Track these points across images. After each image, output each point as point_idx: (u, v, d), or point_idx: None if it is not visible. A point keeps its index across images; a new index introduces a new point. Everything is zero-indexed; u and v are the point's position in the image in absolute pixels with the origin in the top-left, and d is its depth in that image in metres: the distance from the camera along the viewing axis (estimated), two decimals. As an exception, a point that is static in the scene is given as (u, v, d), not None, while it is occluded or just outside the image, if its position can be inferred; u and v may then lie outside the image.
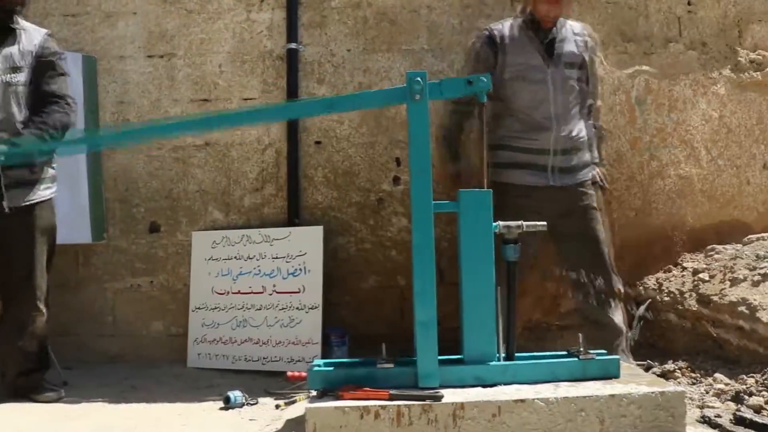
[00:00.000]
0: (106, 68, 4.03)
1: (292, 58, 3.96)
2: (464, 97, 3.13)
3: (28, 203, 3.18)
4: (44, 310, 3.28)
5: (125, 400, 3.23)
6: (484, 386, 2.61)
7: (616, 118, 3.92)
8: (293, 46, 3.95)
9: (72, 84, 3.46)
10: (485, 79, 2.76)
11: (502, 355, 2.74)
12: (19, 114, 3.16)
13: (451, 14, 3.95)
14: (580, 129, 3.37)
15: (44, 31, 3.33)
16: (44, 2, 3.97)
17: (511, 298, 2.81)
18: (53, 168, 3.32)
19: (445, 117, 3.41)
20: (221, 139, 4.01)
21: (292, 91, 3.94)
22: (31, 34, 3.24)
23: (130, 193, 4.05)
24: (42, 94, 3.21)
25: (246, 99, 4.01)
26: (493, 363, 2.68)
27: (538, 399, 2.45)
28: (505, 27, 3.39)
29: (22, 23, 3.24)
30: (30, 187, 3.20)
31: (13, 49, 3.17)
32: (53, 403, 3.20)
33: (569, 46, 3.37)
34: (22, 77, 3.17)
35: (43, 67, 3.23)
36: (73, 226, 3.64)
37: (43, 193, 3.25)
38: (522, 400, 2.45)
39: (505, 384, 2.62)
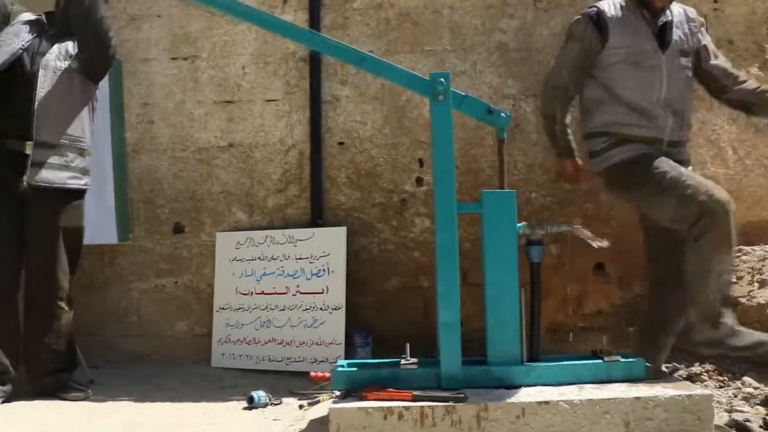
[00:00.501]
0: (131, 70, 4.07)
1: (314, 60, 3.97)
2: (559, 79, 3.09)
3: (47, 185, 3.19)
4: (67, 308, 3.32)
5: (151, 399, 3.26)
6: (507, 388, 2.60)
7: (641, 118, 3.88)
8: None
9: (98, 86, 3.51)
10: (504, 116, 2.76)
11: (526, 356, 2.73)
12: (59, 99, 3.25)
13: (474, 14, 3.94)
14: (689, 121, 3.14)
15: None
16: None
17: (535, 299, 2.79)
18: (85, 159, 3.36)
19: (542, 104, 3.25)
20: (245, 141, 4.03)
21: (315, 92, 3.95)
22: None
23: (155, 194, 4.09)
24: None
25: (269, 100, 4.03)
26: (517, 364, 2.67)
27: (562, 401, 2.44)
28: (608, 5, 3.05)
29: None
30: (55, 171, 3.22)
31: (70, 43, 3.29)
32: (81, 402, 3.24)
33: (682, 32, 3.07)
34: (76, 63, 3.28)
35: None
36: (98, 227, 3.68)
37: (69, 181, 3.27)
38: (546, 402, 2.43)
39: (528, 386, 2.61)
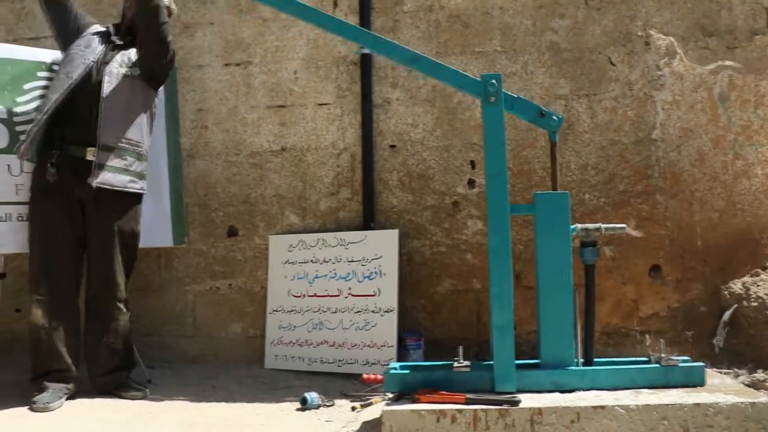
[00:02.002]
0: (185, 77, 4.15)
1: (365, 63, 3.99)
2: None
3: (109, 187, 3.28)
4: (125, 309, 3.42)
5: (206, 399, 3.31)
6: (562, 392, 2.58)
7: (697, 116, 3.79)
8: (366, 50, 3.97)
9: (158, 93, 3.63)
10: (556, 119, 2.73)
11: (581, 360, 2.70)
12: (121, 104, 3.36)
13: (524, 15, 3.91)
14: None
15: None
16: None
17: (589, 302, 2.76)
18: (142, 163, 3.44)
19: None
20: (297, 144, 4.07)
21: (366, 96, 3.97)
22: None
23: (209, 197, 4.16)
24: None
25: (321, 104, 4.06)
26: (572, 368, 2.64)
27: (618, 406, 2.40)
28: None
29: None
30: (117, 174, 3.31)
31: (132, 50, 3.42)
32: (139, 401, 3.32)
33: None
34: (138, 71, 3.40)
35: None
36: (155, 230, 3.75)
37: (129, 184, 3.36)
38: (602, 407, 2.40)
39: (583, 390, 2.58)
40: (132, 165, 3.36)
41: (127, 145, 3.34)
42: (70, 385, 3.27)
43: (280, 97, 4.11)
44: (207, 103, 4.18)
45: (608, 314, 3.75)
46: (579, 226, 2.78)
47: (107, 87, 3.28)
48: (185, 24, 4.17)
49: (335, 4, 4.06)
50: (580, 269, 2.80)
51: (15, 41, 3.99)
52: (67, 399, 3.23)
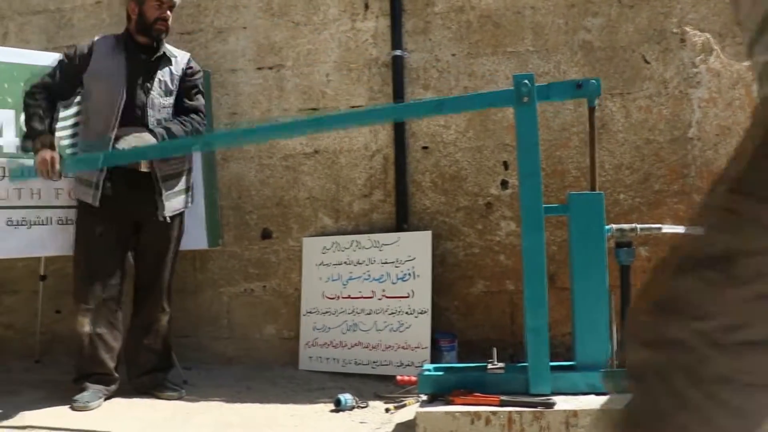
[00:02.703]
0: (219, 81, 4.19)
1: (397, 65, 4.00)
2: None
3: (174, 213, 3.44)
4: (168, 310, 3.52)
5: (241, 400, 3.34)
6: (597, 394, 2.55)
7: (735, 114, 3.73)
8: (398, 52, 3.98)
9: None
10: (595, 83, 2.71)
11: (617, 362, 2.67)
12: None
13: (556, 14, 3.88)
14: None
15: (187, 54, 3.60)
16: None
17: (625, 304, 2.73)
18: (190, 176, 3.58)
19: None
20: (330, 147, 4.09)
21: (399, 98, 3.96)
22: (178, 59, 3.50)
23: (243, 200, 4.20)
24: (183, 108, 3.47)
25: (353, 106, 4.07)
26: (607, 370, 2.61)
27: (655, 408, 2.36)
28: None
29: (170, 48, 3.51)
30: (180, 196, 3.46)
31: (166, 74, 3.43)
32: (175, 401, 3.37)
33: None
34: (172, 99, 3.44)
35: (189, 87, 3.51)
36: (190, 233, 3.79)
37: (186, 203, 3.53)
38: (639, 409, 2.37)
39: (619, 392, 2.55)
40: (185, 182, 3.49)
41: (181, 167, 3.46)
42: (111, 387, 3.34)
43: (312, 99, 4.13)
44: (240, 106, 4.22)
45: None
46: (614, 226, 2.75)
47: (151, 119, 3.34)
48: (218, 29, 4.22)
49: (366, 7, 4.08)
50: (616, 270, 2.78)
51: (55, 49, 4.08)
52: (105, 399, 3.30)
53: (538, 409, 2.42)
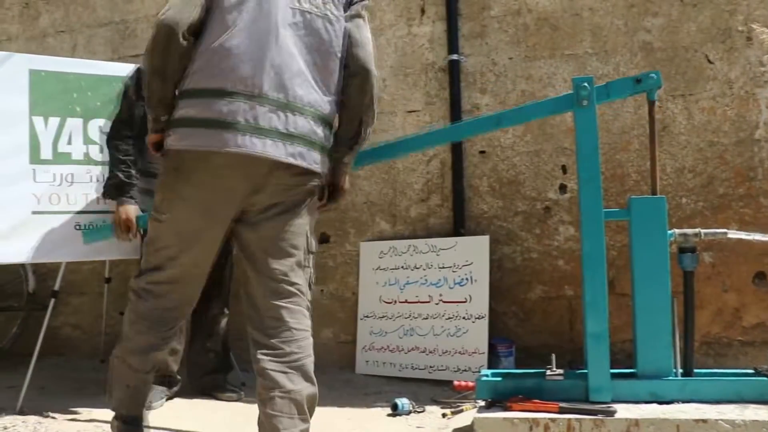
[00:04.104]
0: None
1: (454, 69, 3.99)
2: None
3: None
4: (227, 313, 3.60)
5: (299, 404, 3.37)
6: (659, 403, 2.50)
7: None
8: (455, 57, 3.97)
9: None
10: (654, 76, 2.66)
11: (680, 370, 2.61)
12: None
13: (615, 15, 3.81)
14: None
15: None
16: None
17: (688, 310, 2.67)
18: None
19: None
20: (386, 152, 4.10)
21: (455, 102, 3.96)
22: None
23: (301, 205, 4.24)
24: None
25: (410, 111, 4.08)
26: (670, 378, 2.56)
27: (722, 420, 2.30)
28: None
29: None
30: None
31: None
32: (234, 402, 3.43)
33: None
34: None
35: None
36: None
37: None
38: (704, 420, 2.31)
39: (682, 402, 2.50)
40: None
41: None
42: (173, 388, 3.43)
43: (369, 105, 4.15)
44: (298, 112, 4.26)
45: (708, 323, 3.60)
46: (677, 231, 2.70)
47: None
48: (277, 36, 4.27)
49: (422, 12, 4.08)
50: (678, 276, 2.71)
51: (120, 59, 4.21)
52: (167, 400, 3.38)
53: (599, 417, 2.38)
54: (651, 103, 2.74)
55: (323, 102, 2.32)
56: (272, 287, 2.28)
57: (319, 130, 2.30)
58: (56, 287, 3.54)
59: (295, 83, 2.26)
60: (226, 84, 2.18)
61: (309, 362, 2.24)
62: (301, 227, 2.31)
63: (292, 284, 2.29)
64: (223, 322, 3.58)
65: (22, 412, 3.18)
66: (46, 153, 3.34)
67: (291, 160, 2.21)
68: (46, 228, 3.28)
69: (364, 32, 2.40)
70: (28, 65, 3.34)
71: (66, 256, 3.38)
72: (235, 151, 2.16)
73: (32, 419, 3.11)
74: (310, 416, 2.22)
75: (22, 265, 4.27)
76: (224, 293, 3.57)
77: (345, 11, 2.38)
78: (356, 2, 2.41)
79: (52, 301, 3.51)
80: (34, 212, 3.26)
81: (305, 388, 2.20)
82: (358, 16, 2.40)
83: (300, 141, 2.24)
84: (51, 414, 3.16)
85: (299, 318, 2.28)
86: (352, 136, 2.40)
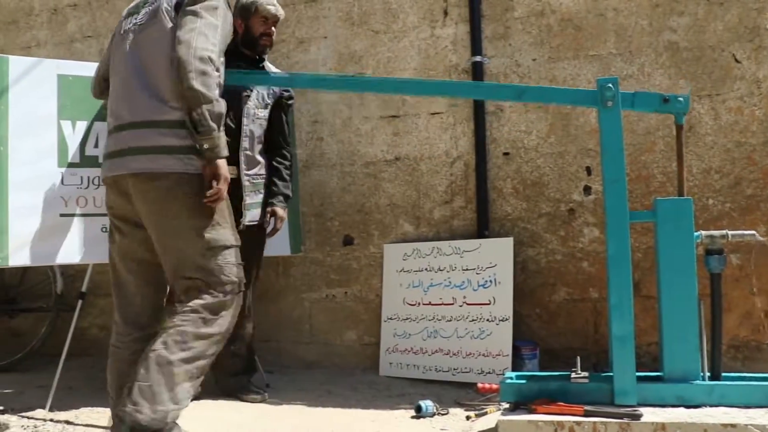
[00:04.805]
0: (301, 91, 4.26)
1: (477, 71, 3.98)
2: None
3: (253, 222, 3.48)
4: (252, 316, 3.61)
5: (322, 404, 3.39)
6: (686, 407, 2.48)
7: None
8: (478, 58, 3.97)
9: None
10: (683, 100, 2.65)
11: (707, 374, 2.58)
12: (255, 143, 3.49)
13: (640, 15, 3.79)
14: None
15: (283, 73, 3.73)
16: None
17: (716, 313, 2.64)
18: (263, 192, 3.61)
19: None
20: (410, 154, 4.11)
21: (479, 104, 3.95)
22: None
23: (325, 207, 4.26)
24: (275, 135, 3.59)
25: (433, 113, 4.08)
26: (697, 382, 2.53)
27: (752, 425, 2.27)
28: None
29: (269, 65, 3.62)
30: (257, 209, 3.50)
31: (263, 87, 3.52)
32: (258, 404, 3.45)
33: None
34: (267, 113, 3.53)
35: (281, 108, 3.62)
36: (273, 240, 3.86)
37: (264, 217, 3.56)
38: (732, 425, 2.29)
39: (710, 406, 2.47)
40: (261, 196, 3.53)
41: (260, 181, 3.52)
42: (198, 389, 3.44)
43: (392, 107, 4.16)
44: (322, 114, 4.29)
45: (736, 326, 3.56)
46: (703, 233, 2.67)
47: (246, 128, 3.43)
48: (300, 39, 4.30)
49: (445, 14, 4.08)
50: (705, 278, 2.69)
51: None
52: (192, 400, 3.39)
53: (624, 420, 2.36)
54: (679, 128, 2.73)
55: (149, 109, 2.55)
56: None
57: (152, 134, 2.54)
58: (84, 289, 3.59)
59: (120, 106, 2.63)
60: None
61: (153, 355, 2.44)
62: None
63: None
64: (249, 326, 3.60)
65: (51, 412, 3.23)
66: (73, 156, 3.39)
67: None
68: (74, 230, 3.32)
69: (187, 26, 2.51)
70: (56, 70, 3.39)
71: (93, 257, 3.42)
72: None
73: (62, 418, 3.16)
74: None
75: (51, 267, 4.33)
76: (249, 299, 3.59)
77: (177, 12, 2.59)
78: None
79: (80, 302, 3.56)
80: (62, 215, 3.31)
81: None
82: (184, 14, 2.54)
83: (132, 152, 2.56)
84: (80, 413, 3.20)
85: None
86: (190, 124, 2.48)
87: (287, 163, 3.61)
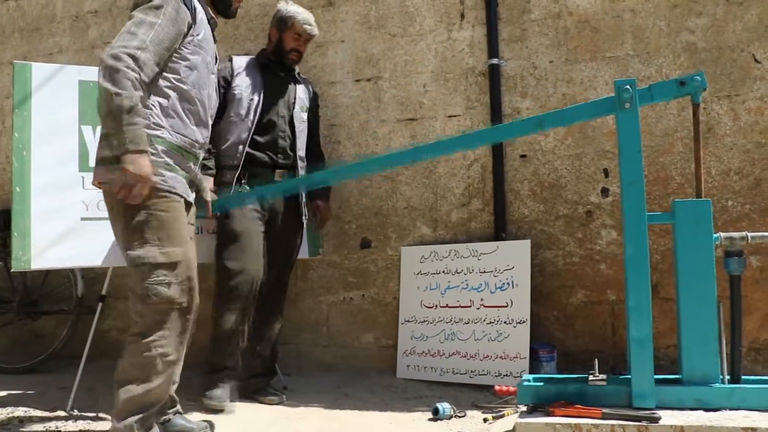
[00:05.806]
0: (318, 94, 4.28)
1: (494, 74, 3.98)
2: None
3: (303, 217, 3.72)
4: (281, 318, 3.72)
5: (339, 407, 3.40)
6: (705, 410, 2.46)
7: None
8: (495, 61, 3.97)
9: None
10: (699, 78, 2.63)
11: (727, 377, 2.56)
12: (303, 145, 3.73)
13: (658, 16, 3.77)
14: None
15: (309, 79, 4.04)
16: (262, 40, 4.31)
17: (735, 315, 2.62)
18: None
19: None
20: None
21: (496, 106, 3.95)
22: (307, 82, 3.92)
23: (343, 210, 4.28)
24: (314, 136, 3.88)
25: (450, 116, 4.09)
26: (717, 385, 2.52)
27: (771, 427, 2.25)
28: None
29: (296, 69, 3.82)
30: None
31: (301, 92, 3.74)
32: (276, 406, 3.47)
33: None
34: (308, 116, 3.78)
35: (315, 112, 3.93)
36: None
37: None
38: (752, 429, 2.27)
39: (730, 409, 2.45)
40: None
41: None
42: (234, 383, 3.48)
43: (410, 110, 4.17)
44: (339, 118, 4.31)
45: (756, 329, 3.53)
46: (722, 234, 2.65)
47: (299, 130, 3.66)
48: (317, 43, 4.32)
49: (462, 17, 4.09)
50: (724, 280, 2.67)
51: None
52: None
53: (643, 423, 2.35)
54: (695, 106, 2.70)
55: None
56: None
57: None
58: (104, 292, 3.63)
59: None
60: None
61: None
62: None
63: None
64: (277, 327, 3.66)
65: (72, 412, 3.27)
66: (94, 161, 3.42)
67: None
68: (94, 234, 3.36)
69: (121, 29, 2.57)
70: (77, 76, 3.44)
71: (113, 261, 3.45)
72: None
73: (83, 419, 3.20)
74: None
75: (72, 270, 4.38)
76: (282, 298, 3.72)
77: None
78: None
79: (100, 305, 3.59)
80: (83, 218, 3.34)
81: None
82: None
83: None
84: (100, 415, 3.23)
85: None
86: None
87: (323, 162, 3.84)
